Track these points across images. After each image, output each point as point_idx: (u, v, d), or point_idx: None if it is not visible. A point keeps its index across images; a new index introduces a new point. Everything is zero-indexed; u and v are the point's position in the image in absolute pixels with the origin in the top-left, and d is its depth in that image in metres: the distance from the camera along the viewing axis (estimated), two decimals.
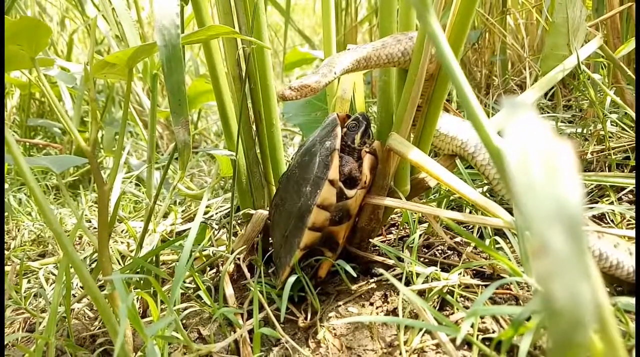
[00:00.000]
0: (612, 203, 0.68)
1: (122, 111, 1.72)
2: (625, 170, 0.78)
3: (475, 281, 0.56)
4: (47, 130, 1.69)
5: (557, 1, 0.84)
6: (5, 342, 0.66)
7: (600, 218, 0.68)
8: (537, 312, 0.40)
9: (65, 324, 0.66)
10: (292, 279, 0.58)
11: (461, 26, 0.53)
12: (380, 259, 0.64)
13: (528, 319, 0.41)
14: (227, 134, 0.73)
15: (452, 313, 0.53)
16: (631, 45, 0.81)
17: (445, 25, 0.56)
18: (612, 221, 0.66)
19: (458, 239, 0.67)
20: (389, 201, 0.60)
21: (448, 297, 0.53)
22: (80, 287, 0.81)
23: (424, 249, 0.67)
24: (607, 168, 0.78)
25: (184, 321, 0.64)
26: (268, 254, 0.69)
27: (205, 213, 0.97)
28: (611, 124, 0.85)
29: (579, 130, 0.87)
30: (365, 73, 1.39)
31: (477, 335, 0.49)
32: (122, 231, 1.03)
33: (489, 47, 1.34)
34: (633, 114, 0.82)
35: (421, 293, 0.56)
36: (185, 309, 0.63)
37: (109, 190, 0.53)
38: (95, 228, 1.02)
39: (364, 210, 0.64)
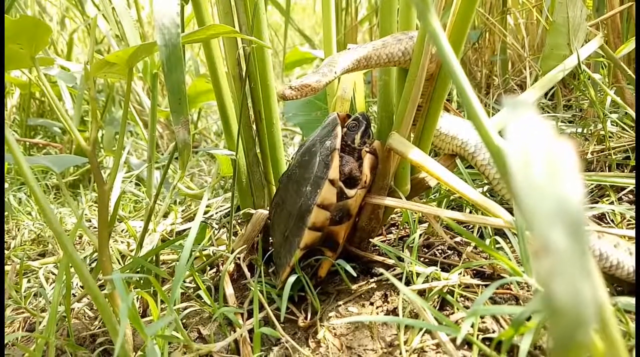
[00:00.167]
0: (612, 203, 0.68)
1: (122, 111, 1.72)
2: (626, 170, 0.78)
3: (476, 281, 0.56)
4: (47, 130, 1.69)
5: (557, 1, 0.84)
6: (5, 342, 0.66)
7: (600, 218, 0.68)
8: (537, 312, 0.40)
9: (65, 324, 0.66)
10: (292, 278, 0.58)
11: (461, 26, 0.53)
12: (380, 258, 0.64)
13: (528, 318, 0.41)
14: (227, 134, 0.73)
15: (453, 313, 0.53)
16: (631, 45, 0.81)
17: (445, 25, 0.56)
18: (612, 220, 0.66)
19: (458, 238, 0.67)
20: (389, 201, 0.60)
21: (448, 297, 0.53)
22: (80, 286, 0.81)
23: (424, 249, 0.67)
24: (607, 168, 0.78)
25: (184, 321, 0.64)
26: (268, 253, 0.69)
27: (206, 213, 0.97)
28: (611, 124, 0.84)
29: (579, 130, 0.87)
30: (365, 73, 1.38)
31: (478, 335, 0.49)
32: (122, 231, 1.03)
33: (489, 47, 1.34)
34: (633, 114, 0.82)
35: (421, 293, 0.56)
36: (185, 308, 0.63)
37: (109, 189, 0.53)
38: (95, 228, 1.02)
39: (364, 210, 0.64)
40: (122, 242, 0.96)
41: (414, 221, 0.66)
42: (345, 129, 0.61)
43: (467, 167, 0.68)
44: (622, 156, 0.78)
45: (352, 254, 0.66)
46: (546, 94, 1.14)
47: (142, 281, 0.67)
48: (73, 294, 0.76)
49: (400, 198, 0.61)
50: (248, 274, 0.67)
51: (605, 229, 0.53)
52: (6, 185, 1.37)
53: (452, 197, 0.75)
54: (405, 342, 0.50)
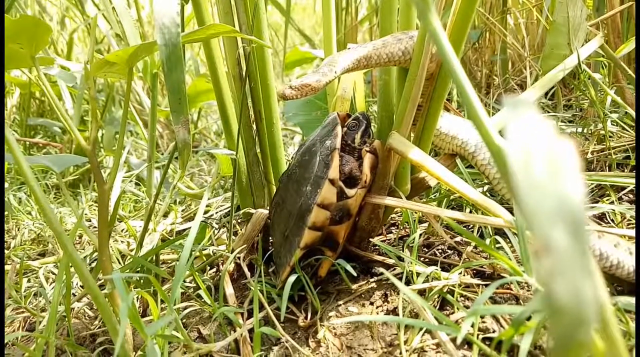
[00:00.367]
0: (612, 203, 0.68)
1: (122, 110, 1.72)
2: (626, 170, 0.78)
3: (476, 281, 0.56)
4: (47, 130, 1.69)
5: (557, 0, 0.84)
6: (6, 341, 0.66)
7: (600, 218, 0.68)
8: (537, 312, 0.40)
9: (65, 323, 0.66)
10: (292, 278, 0.58)
11: (462, 25, 0.53)
12: (380, 258, 0.64)
13: (528, 318, 0.41)
14: (227, 133, 0.73)
15: (453, 312, 0.53)
16: (632, 44, 0.81)
17: (445, 25, 0.56)
18: (612, 220, 0.66)
19: (458, 238, 0.67)
20: (389, 200, 0.60)
21: (448, 296, 0.53)
22: (80, 286, 0.81)
23: (424, 249, 0.67)
24: (607, 168, 0.78)
25: (184, 320, 0.64)
26: (268, 253, 0.69)
27: (206, 212, 0.97)
28: (611, 124, 0.84)
29: (580, 129, 0.87)
30: (365, 72, 1.38)
31: (478, 334, 0.49)
32: (122, 230, 1.03)
33: (490, 47, 1.34)
34: (633, 114, 0.82)
35: (421, 292, 0.56)
36: (186, 308, 0.63)
37: (109, 189, 0.53)
38: (95, 227, 1.02)
39: (364, 209, 0.64)
40: (122, 241, 0.96)
41: (414, 220, 0.66)
42: (345, 129, 0.60)
43: (467, 166, 0.68)
44: (622, 156, 0.78)
45: (352, 254, 0.66)
46: (546, 94, 1.14)
47: (142, 281, 0.67)
48: (73, 293, 0.76)
49: (401, 198, 0.61)
50: (248, 273, 0.67)
51: (605, 229, 0.53)
52: (6, 184, 1.37)
53: (452, 197, 0.75)
54: (406, 342, 0.50)
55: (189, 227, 0.79)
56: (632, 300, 0.41)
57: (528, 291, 0.54)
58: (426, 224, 0.72)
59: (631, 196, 0.71)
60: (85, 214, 1.15)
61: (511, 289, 0.54)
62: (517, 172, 0.18)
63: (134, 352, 0.57)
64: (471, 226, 0.71)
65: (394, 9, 0.60)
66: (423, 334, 0.51)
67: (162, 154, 1.62)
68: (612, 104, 0.87)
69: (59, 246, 0.93)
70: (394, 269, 0.62)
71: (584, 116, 0.94)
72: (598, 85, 0.85)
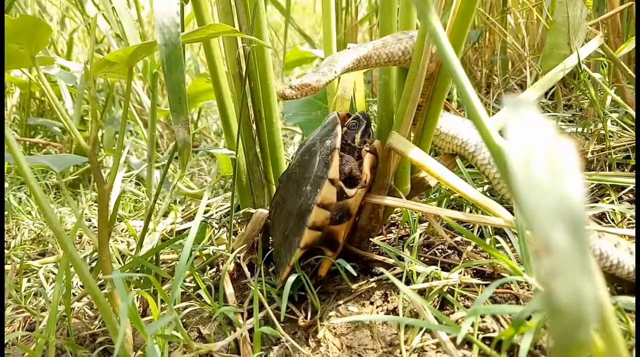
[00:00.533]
0: (612, 202, 0.68)
1: (122, 110, 1.72)
2: (626, 170, 0.78)
3: (476, 280, 0.56)
4: (47, 129, 1.69)
5: (557, 0, 0.84)
6: (6, 341, 0.66)
7: (600, 217, 0.68)
8: (537, 312, 0.40)
9: (65, 323, 0.66)
10: (292, 278, 0.58)
11: (461, 25, 0.53)
12: (380, 258, 0.64)
13: (528, 318, 0.41)
14: (227, 133, 0.73)
15: (453, 312, 0.53)
16: (632, 44, 0.81)
17: (445, 25, 0.56)
18: (612, 220, 0.66)
19: (458, 238, 0.67)
20: (389, 200, 0.60)
21: (448, 296, 0.53)
22: (81, 286, 0.81)
23: (424, 248, 0.67)
24: (607, 167, 0.78)
25: (184, 320, 0.64)
26: (268, 253, 0.69)
27: (206, 212, 0.97)
28: (612, 123, 0.84)
29: (580, 129, 0.87)
30: (365, 72, 1.38)
31: (478, 334, 0.49)
32: (122, 230, 1.03)
33: (490, 47, 1.34)
34: (633, 113, 0.82)
35: (421, 292, 0.56)
36: (186, 308, 0.63)
37: (109, 189, 0.53)
38: (95, 227, 1.02)
39: (364, 209, 0.64)
40: (122, 241, 0.96)
41: (414, 220, 0.66)
42: (345, 129, 0.60)
43: (467, 166, 0.68)
44: (622, 155, 0.78)
45: (352, 254, 0.66)
46: (546, 94, 1.14)
47: (142, 281, 0.67)
48: (73, 293, 0.76)
49: (401, 197, 0.61)
50: (248, 273, 0.67)
51: (605, 229, 0.53)
52: (6, 184, 1.37)
53: (452, 197, 0.75)
54: (406, 342, 0.50)
55: (189, 227, 0.79)
56: (632, 300, 0.41)
57: (528, 290, 0.54)
58: (426, 224, 0.72)
59: (631, 195, 0.71)
60: (85, 214, 1.15)
61: (511, 289, 0.54)
62: (517, 172, 0.18)
63: (134, 352, 0.57)
64: (471, 225, 0.71)
65: (393, 9, 0.60)
66: (423, 334, 0.51)
67: (162, 153, 1.62)
68: (612, 103, 0.87)
69: (59, 246, 0.93)
70: (394, 269, 0.62)
71: (584, 116, 0.94)
72: (598, 85, 0.85)
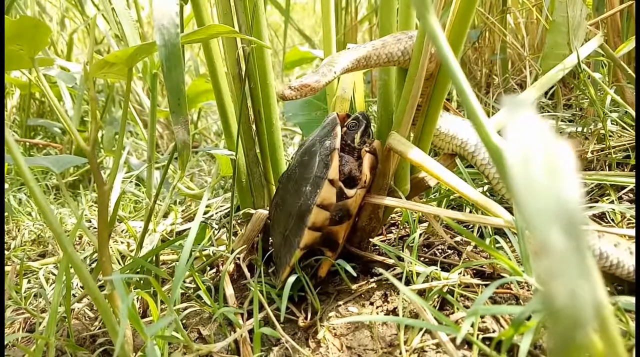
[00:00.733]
0: (612, 202, 0.68)
1: (122, 111, 1.72)
2: (626, 169, 0.77)
3: (476, 280, 0.56)
4: (47, 130, 1.70)
5: (557, 0, 0.84)
6: (6, 343, 0.66)
7: (600, 217, 0.68)
8: (537, 312, 0.40)
9: (66, 324, 0.66)
10: (292, 278, 0.58)
11: (461, 25, 0.53)
12: (380, 258, 0.64)
13: (528, 318, 0.41)
14: (227, 134, 0.73)
15: (453, 312, 0.53)
16: (631, 44, 0.81)
17: (445, 24, 0.56)
18: (612, 220, 0.66)
19: (458, 238, 0.67)
20: (389, 201, 0.60)
21: (448, 296, 0.53)
22: (81, 287, 0.81)
23: (424, 249, 0.67)
24: (607, 167, 0.78)
25: (184, 321, 0.64)
26: (268, 253, 0.69)
27: (205, 213, 0.97)
28: (611, 123, 0.84)
29: (580, 129, 0.87)
30: (365, 72, 1.38)
31: (478, 334, 0.49)
32: (122, 231, 1.03)
33: (489, 46, 1.34)
34: (633, 113, 0.82)
35: (421, 292, 0.56)
36: (185, 308, 0.63)
37: (109, 190, 0.53)
38: (95, 228, 1.02)
39: (364, 209, 0.64)
40: (122, 242, 0.96)
41: (414, 220, 0.66)
42: (345, 129, 0.60)
43: (466, 166, 0.68)
44: (622, 155, 0.78)
45: (352, 254, 0.66)
46: (546, 93, 1.13)
47: (142, 282, 0.67)
48: (73, 294, 0.76)
49: (400, 198, 0.61)
50: (248, 274, 0.67)
51: (605, 228, 0.53)
52: (6, 185, 1.37)
53: (452, 197, 0.75)
54: (405, 342, 0.50)
55: (189, 228, 0.79)
56: (632, 300, 0.41)
57: (528, 290, 0.54)
58: (426, 224, 0.72)
59: (631, 195, 0.71)
60: (85, 215, 1.15)
61: (511, 289, 0.54)
62: (514, 174, 0.18)
63: (134, 353, 0.57)
64: (471, 225, 0.71)
65: (393, 9, 0.60)
66: (423, 334, 0.51)
67: (162, 154, 1.62)
68: (612, 103, 0.87)
69: (59, 247, 0.93)
70: (394, 269, 0.62)
71: (583, 115, 0.93)
72: (598, 85, 0.85)
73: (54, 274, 0.87)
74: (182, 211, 1.08)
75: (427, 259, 0.64)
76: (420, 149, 0.57)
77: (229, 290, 0.65)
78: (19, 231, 1.11)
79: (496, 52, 1.29)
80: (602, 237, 0.52)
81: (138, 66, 1.02)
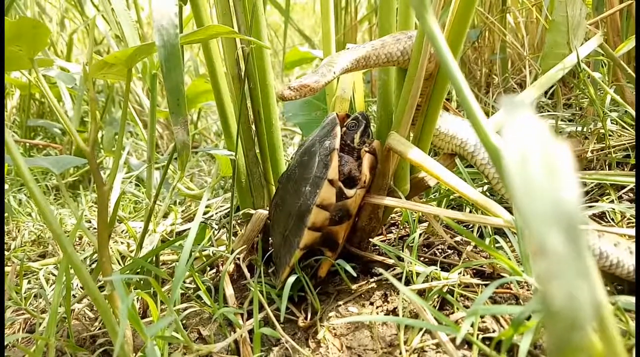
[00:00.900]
0: (612, 201, 0.68)
1: (121, 111, 1.72)
2: (626, 169, 0.77)
3: (476, 280, 0.56)
4: (47, 131, 1.70)
5: None
6: (6, 343, 0.66)
7: (600, 217, 0.68)
8: (537, 312, 0.40)
9: (66, 325, 0.66)
10: (292, 278, 0.58)
11: (460, 25, 0.53)
12: (380, 258, 0.64)
13: (528, 318, 0.41)
14: (227, 134, 0.73)
15: (452, 312, 0.53)
16: (631, 43, 0.81)
17: (444, 24, 0.55)
18: (612, 219, 0.66)
19: (458, 238, 0.67)
20: (388, 201, 0.60)
21: (448, 296, 0.53)
22: (81, 287, 0.81)
23: (424, 249, 0.67)
24: (607, 166, 0.78)
25: (184, 321, 0.64)
26: (268, 253, 0.69)
27: (205, 213, 0.97)
28: (611, 123, 0.84)
29: (579, 128, 0.87)
30: (364, 72, 1.38)
31: (477, 334, 0.49)
32: (122, 231, 1.03)
33: (489, 46, 1.34)
34: (633, 112, 0.82)
35: (421, 292, 0.56)
36: (185, 309, 0.63)
37: (108, 190, 0.53)
38: (95, 228, 1.02)
39: (363, 209, 0.64)
40: (122, 243, 0.96)
41: (414, 220, 0.66)
42: (344, 129, 0.60)
43: (466, 166, 0.68)
44: (622, 155, 0.78)
45: (352, 254, 0.66)
46: (546, 93, 1.13)
47: (142, 282, 0.67)
48: (73, 295, 0.76)
49: (400, 198, 0.61)
50: (248, 274, 0.67)
51: (605, 228, 0.53)
52: (6, 186, 1.37)
53: (451, 197, 0.75)
54: (405, 342, 0.50)
55: (189, 228, 0.79)
56: (632, 299, 0.41)
57: (528, 290, 0.54)
58: (426, 224, 0.72)
59: (631, 194, 0.71)
60: (85, 215, 1.15)
61: (511, 289, 0.54)
62: (513, 175, 0.18)
63: (134, 354, 0.57)
64: (471, 225, 0.71)
65: (393, 9, 0.60)
66: (423, 334, 0.51)
67: (162, 154, 1.62)
68: (611, 102, 0.87)
69: (59, 248, 0.93)
70: (394, 269, 0.62)
71: (583, 115, 0.93)
72: (597, 84, 0.85)
73: (54, 275, 0.87)
74: (182, 211, 1.08)
75: (427, 259, 0.64)
76: (420, 149, 0.57)
77: (229, 290, 0.65)
78: (19, 231, 1.12)
79: (496, 51, 1.29)
80: (602, 237, 0.52)
81: (138, 67, 1.02)
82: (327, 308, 0.59)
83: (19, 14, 1.54)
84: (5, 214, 1.15)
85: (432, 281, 0.56)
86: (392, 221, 0.78)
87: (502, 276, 0.52)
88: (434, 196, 0.81)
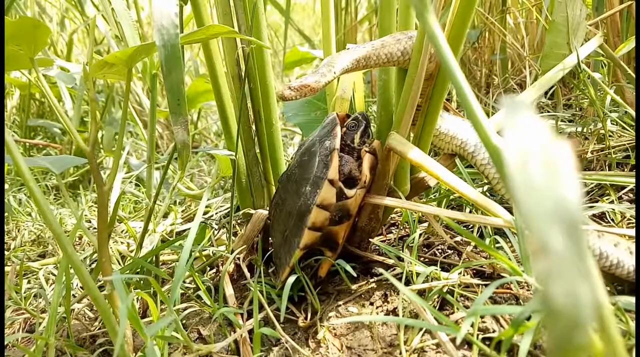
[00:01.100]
0: (612, 202, 0.68)
1: (121, 111, 1.72)
2: (626, 169, 0.77)
3: (476, 281, 0.56)
4: (47, 131, 1.70)
5: (556, 0, 0.84)
6: (6, 343, 0.66)
7: (600, 217, 0.68)
8: (537, 312, 0.40)
9: (65, 325, 0.66)
10: (292, 278, 0.58)
11: (460, 25, 0.53)
12: (380, 258, 0.64)
13: (528, 318, 0.41)
14: (227, 134, 0.73)
15: (452, 313, 0.53)
16: (631, 43, 0.81)
17: (444, 24, 0.56)
18: (612, 219, 0.66)
19: (458, 238, 0.67)
20: (388, 201, 0.60)
21: (448, 296, 0.53)
22: (80, 287, 0.81)
23: (424, 249, 0.67)
24: (607, 167, 0.78)
25: (184, 321, 0.64)
26: (268, 253, 0.69)
27: (205, 213, 0.97)
28: (611, 123, 0.84)
29: (579, 129, 0.87)
30: (364, 72, 1.38)
31: (477, 334, 0.49)
32: (122, 231, 1.03)
33: (489, 46, 1.34)
34: (633, 113, 0.82)
35: (421, 293, 0.56)
36: (185, 309, 0.63)
37: (108, 190, 0.53)
38: (95, 228, 1.02)
39: (363, 209, 0.64)
40: (122, 242, 0.96)
41: (414, 220, 0.66)
42: (344, 129, 0.60)
43: (466, 166, 0.68)
44: (622, 155, 0.78)
45: (352, 254, 0.66)
46: (546, 93, 1.13)
47: (142, 282, 0.67)
48: (73, 295, 0.76)
49: (400, 198, 0.61)
50: (248, 274, 0.67)
51: (605, 228, 0.53)
52: (6, 186, 1.37)
53: (451, 197, 0.75)
54: (405, 342, 0.50)
55: (189, 228, 0.79)
56: (632, 299, 0.41)
57: (528, 290, 0.54)
58: (426, 224, 0.72)
59: (631, 195, 0.71)
60: (85, 215, 1.15)
61: (511, 289, 0.54)
62: (513, 175, 0.18)
63: (134, 354, 0.57)
64: (471, 225, 0.71)
65: (393, 9, 0.60)
66: (423, 334, 0.51)
67: (162, 154, 1.62)
68: (611, 103, 0.87)
69: (59, 247, 0.93)
70: (394, 269, 0.62)
71: (583, 115, 0.93)
72: (598, 85, 0.85)
73: (53, 275, 0.87)
74: (182, 211, 1.08)
75: (427, 259, 0.64)
76: (420, 149, 0.57)
77: (229, 290, 0.65)
78: (18, 231, 1.11)
79: (496, 52, 1.29)
80: (602, 237, 0.52)
81: (138, 67, 1.02)
82: (327, 308, 0.59)
83: (19, 14, 1.54)
84: (5, 214, 1.15)
85: (432, 281, 0.56)
86: (392, 221, 0.78)
87: (502, 276, 0.52)
88: (434, 196, 0.81)
